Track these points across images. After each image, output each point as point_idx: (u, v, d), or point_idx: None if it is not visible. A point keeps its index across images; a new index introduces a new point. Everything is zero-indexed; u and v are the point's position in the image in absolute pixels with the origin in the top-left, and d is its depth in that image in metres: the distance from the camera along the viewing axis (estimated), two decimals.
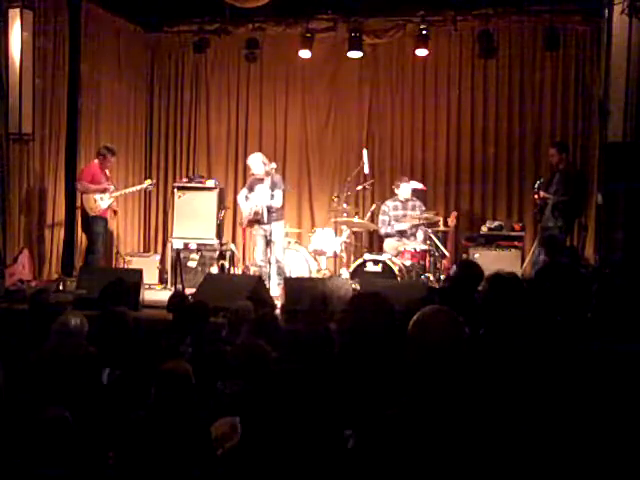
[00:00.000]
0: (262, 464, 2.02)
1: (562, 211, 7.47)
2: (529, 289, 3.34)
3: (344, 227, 8.39)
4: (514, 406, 2.49)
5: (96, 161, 8.17)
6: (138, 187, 8.71)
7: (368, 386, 2.47)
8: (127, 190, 8.59)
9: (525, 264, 8.08)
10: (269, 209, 7.66)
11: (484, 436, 1.95)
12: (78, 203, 8.22)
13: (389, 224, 8.42)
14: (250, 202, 7.87)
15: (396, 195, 8.48)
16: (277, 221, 7.75)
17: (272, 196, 7.65)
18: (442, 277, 7.84)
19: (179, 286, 7.61)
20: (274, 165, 7.80)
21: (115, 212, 8.42)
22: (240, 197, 8.15)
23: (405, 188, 8.34)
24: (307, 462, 2.03)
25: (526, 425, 2.30)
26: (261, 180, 7.81)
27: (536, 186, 7.69)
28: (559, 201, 7.46)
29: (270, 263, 7.61)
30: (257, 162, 7.83)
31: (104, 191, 8.01)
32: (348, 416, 2.34)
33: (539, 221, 7.79)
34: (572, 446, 2.38)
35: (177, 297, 5.63)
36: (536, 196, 7.68)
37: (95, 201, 7.94)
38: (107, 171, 8.24)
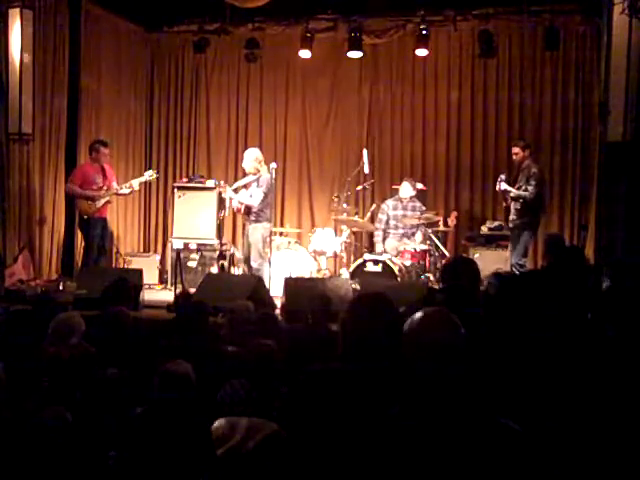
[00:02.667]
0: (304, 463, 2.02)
1: (522, 205, 7.53)
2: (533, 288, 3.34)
3: (344, 227, 8.39)
4: (518, 402, 2.49)
5: (89, 160, 8.03)
6: (134, 183, 8.17)
7: (371, 386, 2.47)
8: (122, 191, 8.11)
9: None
10: (248, 208, 7.62)
11: (485, 434, 1.95)
12: None
13: (386, 223, 8.42)
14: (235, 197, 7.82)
15: (397, 194, 8.50)
16: (255, 222, 7.56)
17: (251, 195, 7.61)
18: None
19: (185, 285, 7.56)
20: (274, 165, 7.75)
21: (108, 202, 8.02)
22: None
23: (405, 187, 8.36)
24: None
25: (532, 422, 2.30)
26: (249, 176, 7.77)
27: (498, 183, 7.69)
28: (519, 196, 7.53)
29: (248, 264, 7.62)
30: (246, 157, 7.74)
31: (91, 199, 7.76)
32: (352, 416, 2.34)
33: (506, 220, 7.87)
34: (574, 444, 2.38)
35: (183, 296, 5.62)
36: (497, 189, 7.73)
37: (88, 202, 7.82)
38: (106, 166, 8.03)
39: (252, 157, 7.66)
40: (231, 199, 7.70)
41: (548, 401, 2.61)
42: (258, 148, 8.07)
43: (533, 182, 7.54)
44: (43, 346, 3.83)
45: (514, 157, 7.86)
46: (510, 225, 7.73)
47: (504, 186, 7.60)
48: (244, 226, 8.45)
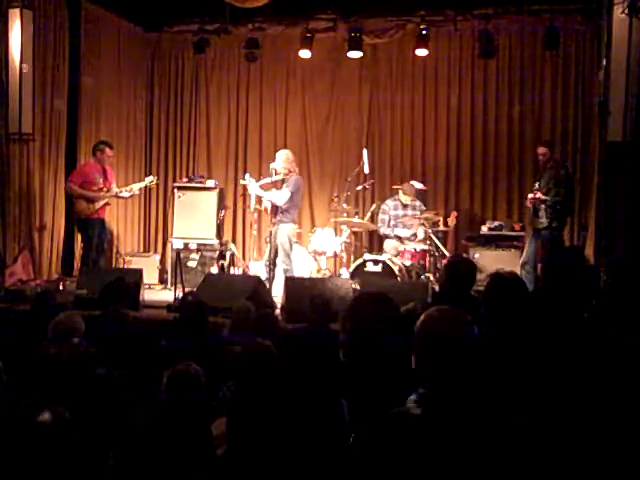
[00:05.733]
0: (254, 465, 2.02)
1: (557, 211, 7.47)
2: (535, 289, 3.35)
3: (344, 227, 8.39)
4: (519, 401, 2.49)
5: (92, 160, 8.04)
6: (135, 187, 8.29)
7: (372, 386, 2.47)
8: (122, 194, 8.19)
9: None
10: (274, 208, 7.55)
11: (490, 433, 1.95)
12: None
13: (388, 224, 8.44)
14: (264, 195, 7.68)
15: (397, 195, 8.51)
16: (280, 223, 7.45)
17: (277, 193, 7.53)
18: None
19: (185, 285, 7.51)
20: (274, 165, 7.76)
21: (107, 204, 8.05)
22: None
23: (403, 197, 8.40)
24: (305, 463, 2.03)
25: (531, 422, 2.30)
26: (278, 175, 7.67)
27: (535, 187, 7.64)
28: (555, 201, 7.45)
29: (273, 265, 7.51)
30: (278, 158, 7.59)
31: (91, 200, 7.76)
32: (352, 416, 2.34)
33: (531, 223, 7.77)
34: (577, 441, 2.38)
35: (189, 296, 5.61)
36: (531, 196, 7.57)
37: (87, 202, 7.81)
38: (108, 168, 8.05)
39: (285, 157, 7.56)
40: (257, 196, 7.64)
41: (548, 399, 2.61)
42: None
43: (564, 185, 7.47)
44: (43, 346, 3.83)
45: (540, 157, 7.70)
46: (539, 227, 7.51)
47: (541, 196, 7.44)
48: (251, 226, 8.40)
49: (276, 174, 7.57)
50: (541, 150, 7.76)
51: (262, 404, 2.05)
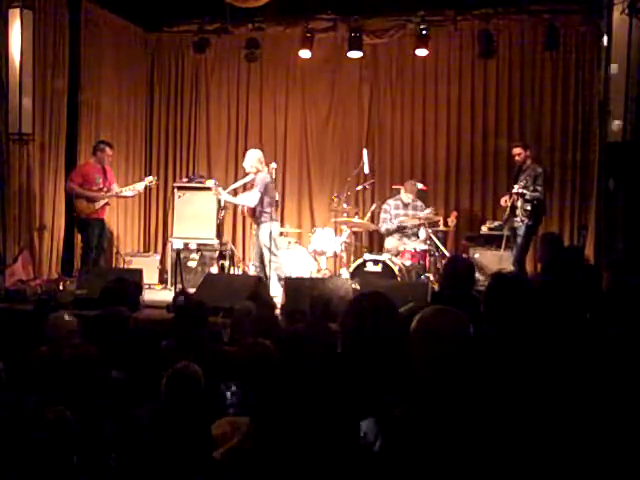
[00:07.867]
0: (274, 465, 2.01)
1: (535, 207, 7.52)
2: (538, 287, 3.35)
3: (344, 227, 8.39)
4: (520, 401, 2.49)
5: (92, 160, 8.06)
6: (138, 186, 8.31)
7: (372, 386, 2.47)
8: (125, 192, 8.22)
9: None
10: (251, 209, 7.61)
11: (491, 433, 1.95)
12: None
13: (390, 221, 8.43)
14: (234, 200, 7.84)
15: (398, 195, 8.51)
16: (259, 223, 7.60)
17: (248, 196, 7.61)
18: None
19: (185, 285, 7.55)
20: (274, 165, 7.78)
21: (107, 204, 8.08)
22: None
23: (405, 196, 8.40)
24: (320, 462, 2.02)
25: (533, 420, 2.30)
26: (248, 176, 7.78)
27: (516, 188, 7.68)
28: (534, 197, 7.51)
29: (262, 265, 7.60)
30: (248, 157, 7.74)
31: (91, 199, 7.80)
32: (352, 416, 2.33)
33: (506, 223, 7.84)
34: (578, 441, 2.38)
35: (181, 294, 5.61)
36: (507, 198, 7.69)
37: (87, 202, 7.84)
38: (107, 168, 8.07)
39: (255, 157, 7.65)
40: (226, 201, 7.72)
41: (549, 399, 2.61)
42: (259, 148, 8.08)
43: (541, 182, 7.56)
44: (43, 346, 3.83)
45: (517, 158, 7.82)
46: (516, 225, 7.63)
47: (520, 190, 7.52)
48: (250, 226, 8.48)
49: (245, 173, 7.65)
50: (516, 150, 7.86)
51: (290, 408, 2.05)
